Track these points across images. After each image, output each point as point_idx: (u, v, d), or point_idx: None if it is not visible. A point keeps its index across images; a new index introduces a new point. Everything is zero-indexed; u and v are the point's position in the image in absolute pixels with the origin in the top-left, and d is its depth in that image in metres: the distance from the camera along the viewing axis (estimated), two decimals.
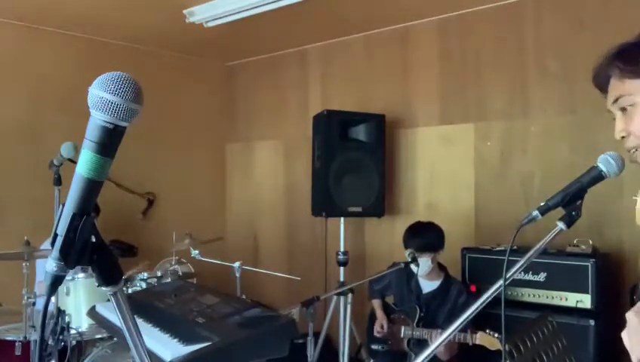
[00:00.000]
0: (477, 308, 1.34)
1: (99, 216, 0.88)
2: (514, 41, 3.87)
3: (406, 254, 3.26)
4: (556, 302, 3.21)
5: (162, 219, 4.99)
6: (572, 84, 3.55)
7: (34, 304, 3.00)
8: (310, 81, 5.04)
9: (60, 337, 2.92)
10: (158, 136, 4.93)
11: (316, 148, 4.11)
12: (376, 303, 3.55)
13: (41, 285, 3.33)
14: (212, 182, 5.60)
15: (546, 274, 3.24)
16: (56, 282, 0.88)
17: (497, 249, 3.50)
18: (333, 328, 3.84)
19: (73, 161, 2.99)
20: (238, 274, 3.61)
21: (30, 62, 4.37)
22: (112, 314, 2.42)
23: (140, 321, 2.20)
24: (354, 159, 4.01)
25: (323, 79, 4.96)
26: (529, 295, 3.29)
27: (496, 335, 2.83)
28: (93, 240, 0.89)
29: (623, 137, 1.26)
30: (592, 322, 3.04)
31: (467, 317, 1.35)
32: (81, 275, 3.10)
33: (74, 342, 3.02)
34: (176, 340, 2.00)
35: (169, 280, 3.36)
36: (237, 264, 3.61)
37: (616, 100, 1.26)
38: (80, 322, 3.03)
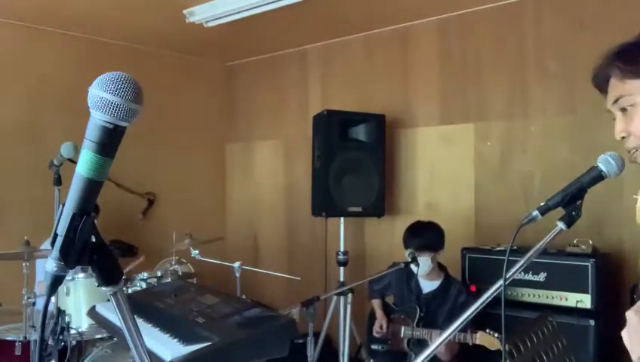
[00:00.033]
0: (477, 308, 1.34)
1: (99, 216, 0.88)
2: (514, 41, 3.87)
3: (406, 254, 3.26)
4: (556, 302, 3.21)
5: (162, 219, 4.99)
6: (572, 84, 3.55)
7: (34, 304, 3.00)
8: (310, 81, 5.04)
9: (60, 337, 2.92)
10: (158, 136, 4.93)
11: (316, 148, 4.11)
12: (376, 303, 3.55)
13: (41, 285, 3.32)
14: (212, 182, 5.60)
15: (546, 274, 3.24)
16: (56, 282, 0.88)
17: (497, 249, 3.50)
18: (333, 328, 3.84)
19: (73, 161, 2.99)
20: (238, 274, 3.61)
21: (30, 62, 4.37)
22: (112, 314, 2.42)
23: (140, 321, 2.20)
24: (354, 159, 4.01)
25: (323, 79, 4.96)
26: (529, 295, 3.29)
27: (496, 335, 2.83)
28: (93, 240, 0.89)
29: (623, 137, 1.26)
30: (592, 322, 3.04)
31: (467, 317, 1.35)
32: (81, 275, 3.10)
33: (74, 342, 3.02)
34: (176, 340, 2.00)
35: (169, 280, 3.36)
36: (237, 264, 3.61)
37: (616, 100, 1.25)
38: (80, 322, 3.03)
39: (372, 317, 3.55)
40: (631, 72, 1.22)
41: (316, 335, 3.22)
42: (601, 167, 1.30)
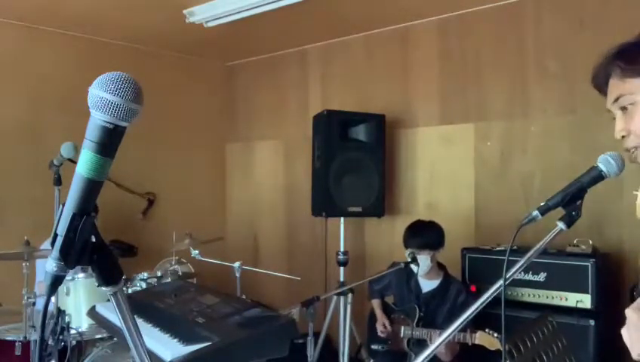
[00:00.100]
0: (477, 308, 1.34)
1: (97, 216, 0.88)
2: (514, 41, 3.87)
3: (406, 254, 3.26)
4: (556, 302, 3.21)
5: (162, 219, 4.99)
6: (572, 84, 3.55)
7: (34, 304, 3.00)
8: (310, 81, 5.04)
9: (60, 337, 2.92)
10: (158, 136, 4.93)
11: (316, 148, 4.11)
12: (375, 303, 3.55)
13: (41, 285, 3.32)
14: (212, 182, 5.60)
15: (546, 274, 3.24)
16: (56, 282, 0.88)
17: (497, 249, 3.50)
18: (333, 328, 3.85)
19: (73, 161, 2.99)
20: (238, 274, 3.61)
21: (30, 62, 4.37)
22: (112, 314, 2.42)
23: (140, 321, 2.20)
24: (354, 159, 4.01)
25: (323, 79, 4.96)
26: (529, 295, 3.29)
27: (495, 334, 2.83)
28: (93, 240, 0.89)
29: (623, 136, 1.26)
30: (592, 322, 3.04)
31: (467, 317, 1.35)
32: (81, 275, 3.10)
33: (74, 342, 3.02)
34: (176, 340, 2.00)
35: (169, 280, 3.36)
36: (237, 264, 3.61)
37: (616, 100, 1.25)
38: (80, 322, 3.03)
39: (372, 317, 3.55)
40: (631, 70, 1.22)
41: (316, 335, 3.23)
42: (601, 167, 1.30)
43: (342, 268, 3.94)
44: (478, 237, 3.94)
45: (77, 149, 3.03)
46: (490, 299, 1.33)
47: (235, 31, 4.45)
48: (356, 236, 4.62)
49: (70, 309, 3.03)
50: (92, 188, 0.85)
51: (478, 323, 2.80)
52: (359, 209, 4.01)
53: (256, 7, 3.87)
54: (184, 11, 4.05)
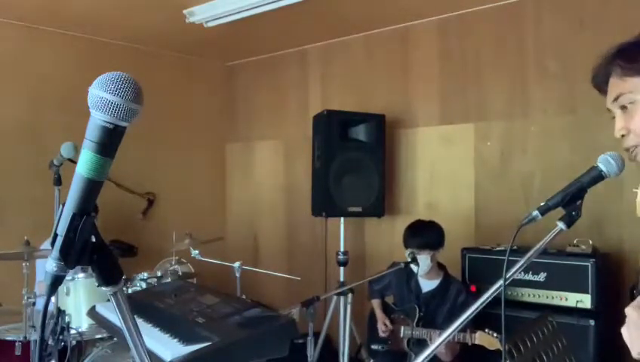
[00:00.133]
0: (477, 308, 1.34)
1: (98, 216, 0.88)
2: (514, 41, 3.87)
3: (406, 254, 3.26)
4: (556, 302, 3.21)
5: (162, 219, 4.99)
6: (572, 84, 3.55)
7: (34, 304, 3.00)
8: (310, 81, 5.04)
9: (60, 337, 2.92)
10: (158, 136, 4.93)
11: (316, 148, 4.11)
12: (375, 303, 3.55)
13: (41, 285, 3.32)
14: (212, 182, 5.60)
15: (546, 274, 3.24)
16: (56, 282, 0.88)
17: (497, 249, 3.50)
18: (333, 328, 3.85)
19: (73, 161, 2.99)
20: (238, 274, 3.61)
21: (30, 62, 4.37)
22: (112, 314, 2.42)
23: (140, 321, 2.20)
24: (354, 159, 4.01)
25: (323, 79, 4.96)
26: (529, 295, 3.29)
27: (495, 334, 2.83)
28: (93, 240, 0.89)
29: (622, 135, 1.25)
30: (592, 322, 3.04)
31: (467, 317, 1.35)
32: (81, 275, 3.10)
33: (74, 342, 3.02)
34: (176, 340, 2.00)
35: (169, 280, 3.36)
36: (237, 264, 3.61)
37: (616, 98, 1.25)
38: (80, 322, 3.03)
39: (372, 317, 3.55)
40: (631, 69, 1.22)
41: (316, 335, 3.23)
42: (601, 167, 1.30)
43: (342, 268, 3.94)
44: (478, 237, 3.94)
45: (77, 149, 3.03)
46: (490, 299, 1.33)
47: (235, 31, 4.45)
48: (356, 236, 4.62)
49: (70, 309, 3.03)
50: (92, 188, 0.85)
51: (478, 323, 2.80)
52: (359, 209, 4.01)
53: (256, 7, 3.87)
54: (184, 11, 4.05)
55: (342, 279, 3.92)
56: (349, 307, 3.64)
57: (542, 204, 1.34)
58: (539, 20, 3.76)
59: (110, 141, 0.84)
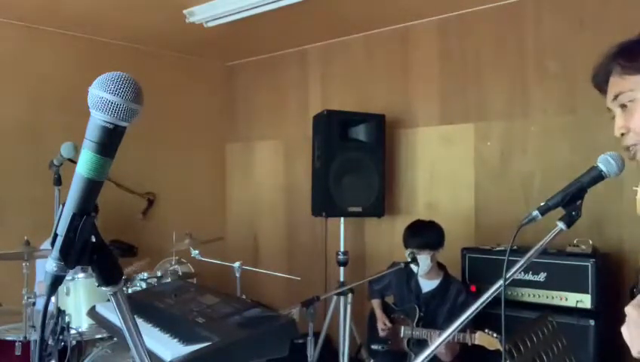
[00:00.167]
0: (477, 308, 1.34)
1: (97, 216, 0.88)
2: (514, 41, 3.87)
3: (406, 254, 3.26)
4: (556, 302, 3.21)
5: (162, 219, 4.99)
6: (572, 84, 3.55)
7: (34, 304, 3.00)
8: (310, 81, 5.04)
9: (60, 337, 2.92)
10: (158, 136, 4.93)
11: (316, 148, 4.11)
12: (375, 303, 3.55)
13: (41, 285, 3.32)
14: (212, 182, 5.60)
15: (546, 274, 3.24)
16: (56, 282, 0.88)
17: (497, 249, 3.50)
18: (333, 328, 3.84)
19: (73, 161, 2.99)
20: (238, 274, 3.61)
21: (30, 62, 4.37)
22: (112, 314, 2.42)
23: (140, 321, 2.20)
24: (354, 159, 4.01)
25: (323, 79, 4.96)
26: (529, 295, 3.29)
27: (495, 335, 2.83)
28: (93, 240, 0.89)
29: (622, 134, 1.25)
30: (592, 322, 3.04)
31: (467, 317, 1.35)
32: (81, 275, 3.10)
33: (74, 342, 3.02)
34: (176, 340, 2.00)
35: (169, 280, 3.36)
36: (237, 264, 3.61)
37: (616, 97, 1.25)
38: (80, 322, 3.03)
39: (372, 317, 3.56)
40: (631, 68, 1.22)
41: (316, 335, 3.23)
42: (601, 167, 1.30)
43: (342, 268, 3.94)
44: (478, 237, 3.94)
45: (77, 149, 3.03)
46: (490, 299, 1.33)
47: (235, 31, 4.45)
48: (356, 236, 4.62)
49: (70, 309, 3.03)
50: (92, 188, 0.85)
51: (478, 323, 2.79)
52: (359, 209, 4.01)
53: (256, 7, 3.87)
54: (184, 11, 4.05)
55: (342, 279, 3.92)
56: (349, 307, 3.64)
57: (542, 203, 1.34)
58: (539, 20, 3.76)
59: (110, 141, 0.84)
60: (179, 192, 5.18)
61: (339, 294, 3.59)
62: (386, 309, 3.51)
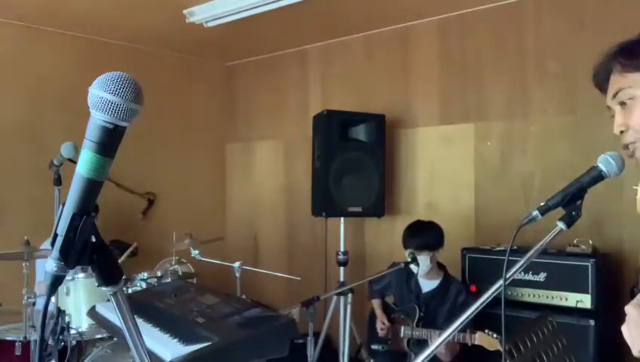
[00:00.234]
0: (477, 308, 1.34)
1: (98, 216, 0.88)
2: (514, 41, 3.87)
3: (406, 254, 3.26)
4: (556, 302, 3.21)
5: (162, 219, 4.99)
6: (572, 84, 3.55)
7: (34, 304, 3.00)
8: (310, 81, 5.04)
9: (60, 337, 2.92)
10: (158, 136, 4.93)
11: (316, 148, 4.11)
12: (375, 303, 3.55)
13: (41, 285, 3.32)
14: (212, 182, 5.60)
15: (546, 274, 3.24)
16: (56, 282, 0.88)
17: (497, 249, 3.50)
18: (333, 328, 3.84)
19: (73, 161, 2.99)
20: (238, 274, 3.61)
21: (30, 62, 4.37)
22: (112, 314, 2.42)
23: (140, 321, 2.20)
24: (354, 159, 4.01)
25: (323, 79, 4.96)
26: (529, 295, 3.29)
27: (495, 335, 2.82)
28: (93, 240, 0.89)
29: (621, 132, 1.25)
30: (592, 322, 3.04)
31: (467, 318, 1.35)
32: (81, 275, 3.10)
33: (74, 342, 3.02)
34: (176, 340, 2.00)
35: (169, 280, 3.36)
36: (237, 264, 3.61)
37: (615, 94, 1.25)
38: (80, 322, 3.03)
39: (372, 317, 3.55)
40: (631, 65, 1.22)
41: (316, 335, 3.23)
42: (601, 167, 1.30)
43: (342, 268, 3.93)
44: (478, 237, 3.94)
45: (77, 149, 3.03)
46: (490, 299, 1.33)
47: (235, 31, 4.45)
48: (356, 236, 4.62)
49: (70, 309, 3.03)
50: (92, 188, 0.85)
51: (478, 323, 2.79)
52: (359, 209, 4.01)
53: (256, 7, 3.87)
54: (184, 11, 4.05)
55: (342, 279, 3.92)
56: (349, 307, 3.64)
57: (542, 203, 1.34)
58: (539, 20, 3.76)
59: (110, 141, 0.84)
60: (179, 192, 5.18)
61: (339, 294, 3.59)
62: (386, 309, 3.51)
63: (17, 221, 4.08)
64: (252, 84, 5.51)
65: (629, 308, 1.10)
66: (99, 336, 3.07)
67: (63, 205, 0.86)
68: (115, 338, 2.89)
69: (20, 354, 2.94)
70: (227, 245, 5.16)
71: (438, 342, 1.41)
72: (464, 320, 1.35)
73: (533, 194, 3.70)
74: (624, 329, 1.10)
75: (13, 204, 4.19)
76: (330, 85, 4.90)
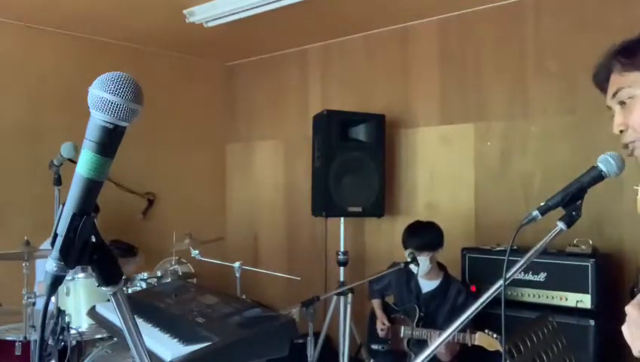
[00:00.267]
0: (477, 309, 1.34)
1: (98, 216, 0.88)
2: (514, 41, 3.87)
3: (406, 254, 3.26)
4: (556, 302, 3.21)
5: (162, 219, 4.99)
6: (572, 84, 3.55)
7: (34, 304, 2.99)
8: (310, 81, 5.04)
9: (60, 337, 2.92)
10: (158, 136, 4.93)
11: (316, 148, 4.11)
12: (375, 303, 3.55)
13: (41, 285, 3.32)
14: (212, 182, 5.60)
15: (546, 274, 3.24)
16: (56, 282, 0.87)
17: (497, 249, 3.50)
18: (333, 328, 3.84)
19: (73, 161, 2.99)
20: (238, 274, 3.60)
21: (30, 62, 4.37)
22: (112, 314, 2.43)
23: (140, 321, 2.20)
24: (354, 159, 4.01)
25: (323, 79, 4.96)
26: (529, 295, 3.29)
27: (495, 335, 2.83)
28: (93, 240, 0.89)
29: (621, 131, 1.25)
30: (592, 322, 3.04)
31: (467, 318, 1.35)
32: (81, 275, 3.10)
33: (74, 342, 3.02)
34: (176, 340, 2.00)
35: (169, 280, 3.36)
36: (237, 264, 3.60)
37: (615, 93, 1.25)
38: (80, 322, 3.03)
39: (372, 317, 3.56)
40: (631, 65, 1.22)
41: (316, 335, 3.23)
42: (601, 167, 1.30)
43: (342, 268, 3.93)
44: (478, 237, 3.94)
45: (77, 149, 3.03)
46: (490, 299, 1.33)
47: (235, 31, 4.45)
48: (356, 236, 4.62)
49: (70, 309, 3.03)
50: (92, 188, 0.85)
51: (478, 323, 2.80)
52: (359, 209, 4.01)
53: (256, 7, 3.87)
54: (184, 11, 4.05)
55: (342, 279, 3.92)
56: (349, 307, 3.64)
57: (542, 203, 1.34)
58: (539, 20, 3.76)
59: (110, 141, 0.84)
60: (179, 192, 5.18)
61: (339, 294, 3.59)
62: (386, 309, 3.51)
63: (17, 221, 4.08)
64: (252, 84, 5.51)
65: (629, 308, 1.10)
66: (99, 336, 3.07)
67: (63, 205, 0.86)
68: (115, 338, 2.89)
69: (19, 354, 2.94)
70: (227, 245, 5.16)
71: (438, 342, 1.41)
72: (464, 320, 1.35)
73: (533, 194, 3.70)
74: (624, 329, 1.10)
75: (13, 204, 4.19)
76: (330, 85, 4.90)
